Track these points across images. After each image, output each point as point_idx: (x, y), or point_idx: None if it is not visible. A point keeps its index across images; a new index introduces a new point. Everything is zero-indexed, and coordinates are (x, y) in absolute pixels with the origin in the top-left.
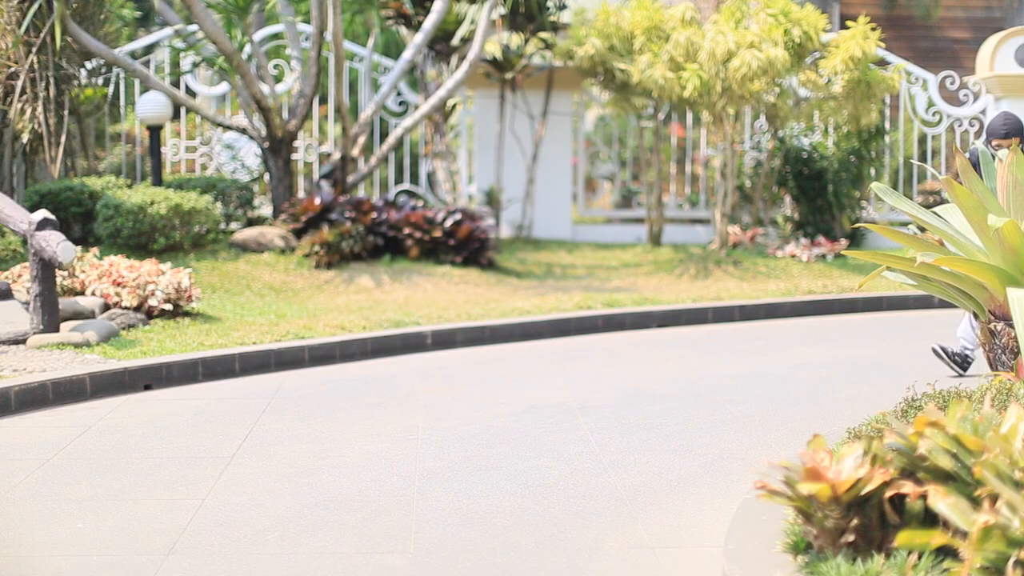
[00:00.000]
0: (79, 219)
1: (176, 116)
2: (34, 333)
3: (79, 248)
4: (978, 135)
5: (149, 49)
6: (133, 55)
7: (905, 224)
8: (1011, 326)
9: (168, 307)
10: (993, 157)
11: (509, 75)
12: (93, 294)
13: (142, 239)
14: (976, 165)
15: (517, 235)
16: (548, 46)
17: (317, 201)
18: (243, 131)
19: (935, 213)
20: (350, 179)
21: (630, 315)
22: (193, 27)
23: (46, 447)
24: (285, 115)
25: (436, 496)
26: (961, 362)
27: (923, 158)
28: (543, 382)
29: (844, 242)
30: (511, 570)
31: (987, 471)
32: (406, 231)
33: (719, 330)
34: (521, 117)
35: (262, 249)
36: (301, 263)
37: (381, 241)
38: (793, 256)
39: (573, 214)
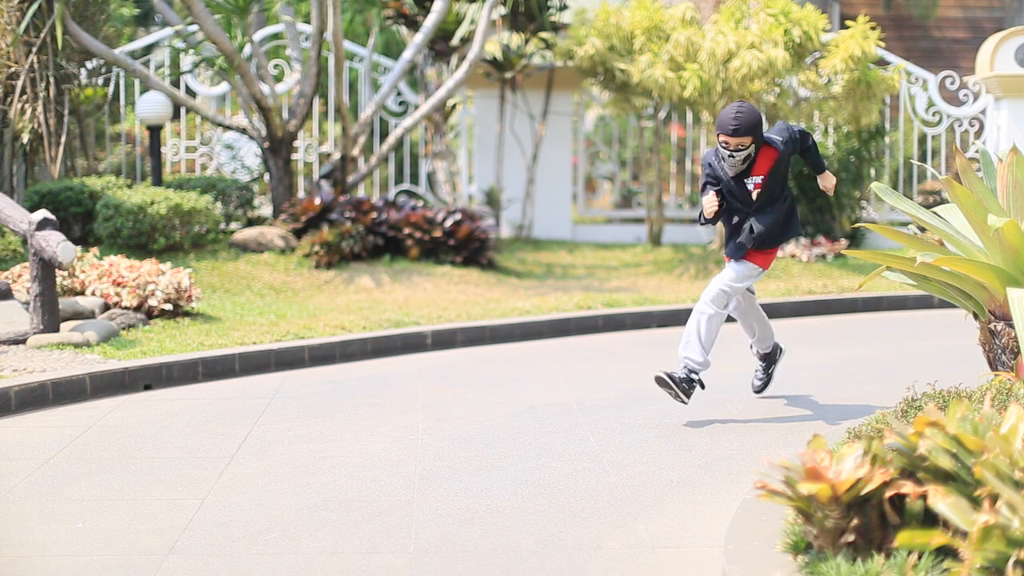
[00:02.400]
0: (79, 219)
1: (176, 116)
2: (34, 333)
3: (79, 248)
4: (978, 135)
5: (149, 49)
6: (133, 55)
7: (905, 224)
8: (1011, 326)
9: (168, 307)
10: (718, 159)
11: (509, 75)
12: (93, 294)
13: (142, 239)
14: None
15: (517, 235)
16: (548, 46)
17: (317, 201)
18: (243, 131)
19: (935, 213)
20: (350, 179)
21: (630, 315)
22: (193, 27)
23: (46, 447)
24: (285, 115)
25: (436, 496)
26: (687, 388)
27: (923, 158)
28: (543, 382)
29: (844, 242)
30: (511, 570)
31: (987, 471)
32: (406, 231)
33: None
34: (521, 117)
35: (262, 249)
36: (301, 263)
37: (381, 241)
38: (793, 256)
39: (573, 214)
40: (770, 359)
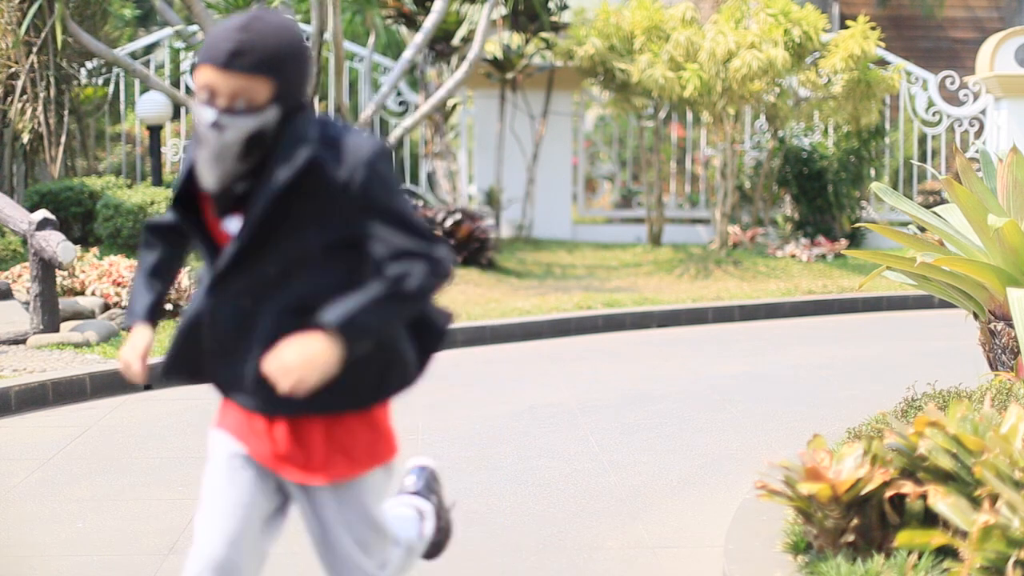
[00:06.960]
0: (79, 219)
1: (176, 116)
2: (34, 333)
3: (79, 248)
4: (978, 135)
5: (149, 49)
6: (133, 55)
7: (905, 224)
8: (1011, 326)
9: (168, 307)
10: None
11: (509, 75)
12: (93, 294)
13: None
14: None
15: (517, 235)
16: (549, 46)
17: None
18: None
19: (935, 213)
20: None
21: (630, 315)
22: (193, 27)
23: (46, 447)
24: None
25: None
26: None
27: (923, 158)
28: (543, 382)
29: (844, 242)
30: (511, 570)
31: (987, 471)
32: None
33: (719, 330)
34: (521, 117)
35: None
36: None
37: None
38: (793, 256)
39: (573, 214)
40: None
